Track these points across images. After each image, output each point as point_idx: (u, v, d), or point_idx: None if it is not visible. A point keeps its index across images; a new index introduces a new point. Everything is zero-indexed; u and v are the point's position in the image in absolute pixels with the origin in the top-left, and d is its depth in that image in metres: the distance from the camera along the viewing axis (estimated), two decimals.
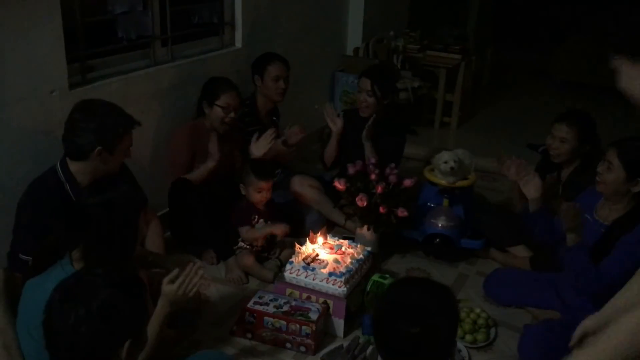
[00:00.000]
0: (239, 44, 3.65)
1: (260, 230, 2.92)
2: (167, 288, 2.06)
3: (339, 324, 2.50)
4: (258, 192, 2.91)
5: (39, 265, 2.01)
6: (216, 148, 2.97)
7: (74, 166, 2.27)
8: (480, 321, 2.54)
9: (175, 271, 2.09)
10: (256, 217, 2.95)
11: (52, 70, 2.48)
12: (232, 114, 3.04)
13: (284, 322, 2.38)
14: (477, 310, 2.59)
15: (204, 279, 2.20)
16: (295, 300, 2.49)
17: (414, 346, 1.48)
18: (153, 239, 2.71)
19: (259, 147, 3.13)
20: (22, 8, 2.30)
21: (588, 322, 1.74)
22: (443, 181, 3.12)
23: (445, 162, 3.08)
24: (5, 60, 2.29)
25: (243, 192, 2.95)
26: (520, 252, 3.03)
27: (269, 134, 3.15)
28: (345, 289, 2.47)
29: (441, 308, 1.52)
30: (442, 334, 1.49)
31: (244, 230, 2.92)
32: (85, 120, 2.23)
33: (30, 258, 2.15)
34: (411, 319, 1.48)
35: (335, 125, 3.36)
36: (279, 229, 2.91)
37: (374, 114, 3.31)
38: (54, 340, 1.41)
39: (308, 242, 2.70)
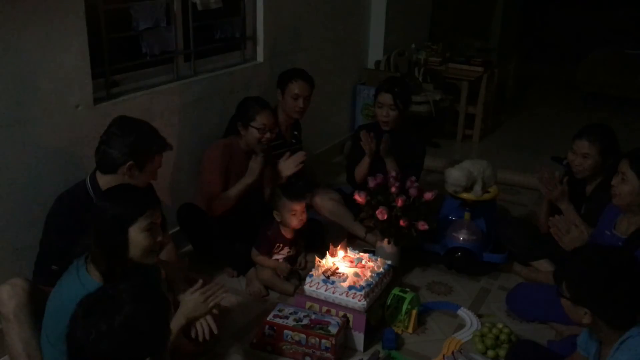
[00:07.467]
0: (260, 58, 3.68)
1: (267, 264, 2.90)
2: (189, 296, 2.12)
3: (359, 337, 2.49)
4: (293, 215, 2.86)
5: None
6: (259, 165, 2.98)
7: (102, 180, 2.30)
8: (503, 336, 2.50)
9: (199, 283, 2.20)
10: (280, 245, 2.93)
11: (77, 85, 2.53)
12: (268, 134, 3.03)
13: (304, 336, 2.38)
14: (500, 326, 2.56)
15: (225, 292, 2.28)
16: (315, 313, 2.49)
17: None
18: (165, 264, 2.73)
19: (287, 167, 3.16)
20: (49, 24, 2.36)
21: None
22: (464, 194, 3.10)
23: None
24: (33, 75, 2.35)
25: (278, 219, 2.89)
26: (544, 267, 2.98)
27: (300, 156, 3.18)
28: (365, 302, 2.46)
29: None
30: None
31: (259, 259, 2.92)
32: (122, 134, 2.29)
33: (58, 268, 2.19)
34: None
35: (370, 146, 3.28)
36: (280, 267, 2.90)
37: (395, 126, 3.31)
38: (75, 354, 1.41)
39: (328, 255, 2.69)
